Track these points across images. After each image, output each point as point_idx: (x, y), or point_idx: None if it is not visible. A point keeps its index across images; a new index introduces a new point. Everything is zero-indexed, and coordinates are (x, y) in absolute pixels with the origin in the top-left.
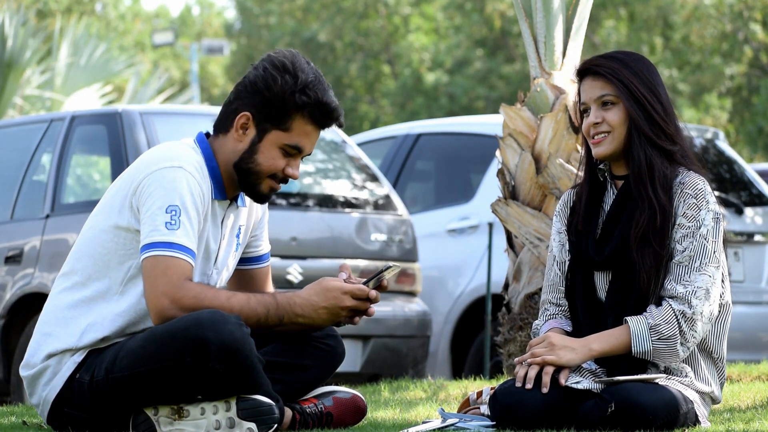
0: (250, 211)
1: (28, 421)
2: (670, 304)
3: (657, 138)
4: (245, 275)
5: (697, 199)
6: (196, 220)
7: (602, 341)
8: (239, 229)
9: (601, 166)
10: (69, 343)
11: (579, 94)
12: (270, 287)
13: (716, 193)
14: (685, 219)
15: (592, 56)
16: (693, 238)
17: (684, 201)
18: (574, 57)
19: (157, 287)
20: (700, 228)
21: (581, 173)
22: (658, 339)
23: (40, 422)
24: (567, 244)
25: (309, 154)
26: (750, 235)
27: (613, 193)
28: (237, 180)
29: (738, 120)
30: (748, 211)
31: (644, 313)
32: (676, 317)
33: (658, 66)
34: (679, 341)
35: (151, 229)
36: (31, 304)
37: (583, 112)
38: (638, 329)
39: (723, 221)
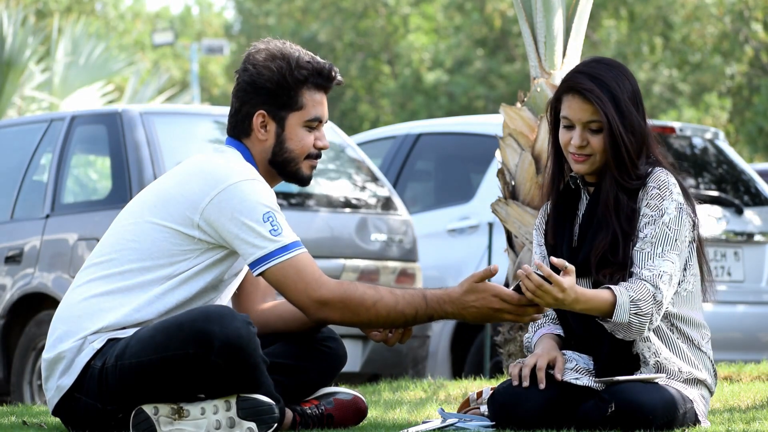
0: None
1: (28, 421)
2: (646, 285)
3: (623, 181)
4: (249, 279)
5: (661, 190)
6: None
7: (586, 305)
8: None
9: (572, 174)
10: (101, 323)
11: (560, 101)
12: (274, 295)
13: (716, 193)
14: (648, 209)
15: (583, 66)
16: (655, 226)
17: (647, 193)
18: (574, 57)
19: (300, 293)
20: (662, 216)
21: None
22: (635, 314)
23: (40, 422)
24: (547, 255)
25: (327, 121)
26: (750, 235)
27: (586, 199)
28: (276, 174)
29: (738, 120)
30: (748, 211)
31: (625, 285)
32: (653, 298)
33: (658, 66)
34: (649, 320)
35: (260, 240)
36: (31, 304)
37: (566, 126)
38: (622, 301)
39: (690, 214)
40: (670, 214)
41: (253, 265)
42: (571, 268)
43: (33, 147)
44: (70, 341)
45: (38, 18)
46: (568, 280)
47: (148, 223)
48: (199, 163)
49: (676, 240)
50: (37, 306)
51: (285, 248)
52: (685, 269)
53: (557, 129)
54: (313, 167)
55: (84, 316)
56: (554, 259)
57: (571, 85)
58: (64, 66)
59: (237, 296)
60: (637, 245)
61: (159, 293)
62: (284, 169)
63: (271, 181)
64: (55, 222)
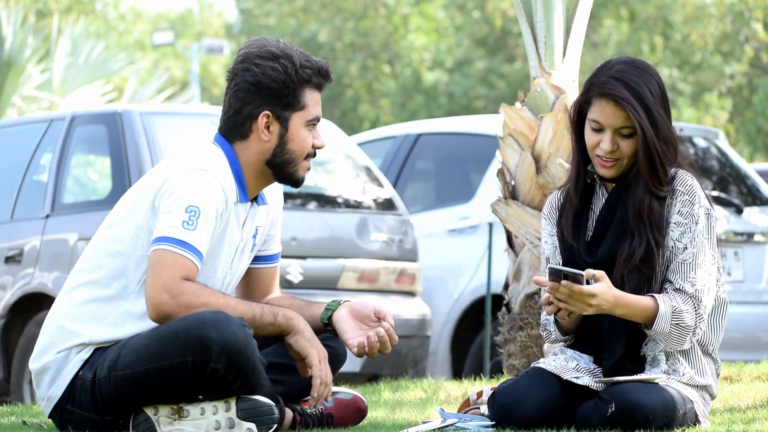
0: (268, 210)
1: (28, 421)
2: (690, 299)
3: (655, 189)
4: (251, 274)
5: (689, 195)
6: (213, 226)
7: (628, 310)
8: (256, 229)
9: (590, 168)
10: (81, 338)
11: (588, 102)
12: (276, 290)
13: (716, 193)
14: (680, 217)
15: (616, 71)
16: (693, 235)
17: (676, 198)
18: (574, 57)
19: (159, 280)
20: (696, 224)
21: (570, 170)
22: (677, 325)
23: (41, 422)
24: (559, 246)
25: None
26: (750, 235)
27: (602, 195)
28: (271, 175)
29: (738, 120)
30: (748, 211)
31: (669, 295)
32: (696, 311)
33: (658, 66)
34: (692, 333)
35: (169, 224)
36: (31, 304)
37: (595, 129)
38: (664, 311)
39: (714, 216)
40: (701, 221)
41: (152, 241)
42: (601, 274)
43: (33, 147)
44: (53, 352)
45: (38, 18)
46: (601, 286)
47: (118, 225)
48: (174, 153)
49: (710, 248)
50: (37, 306)
51: (183, 244)
52: (717, 270)
53: (579, 127)
54: (308, 168)
55: (66, 327)
56: (590, 272)
57: (605, 91)
58: (63, 66)
59: (238, 291)
60: (677, 257)
61: (135, 299)
62: (282, 170)
63: (260, 182)
64: (55, 222)
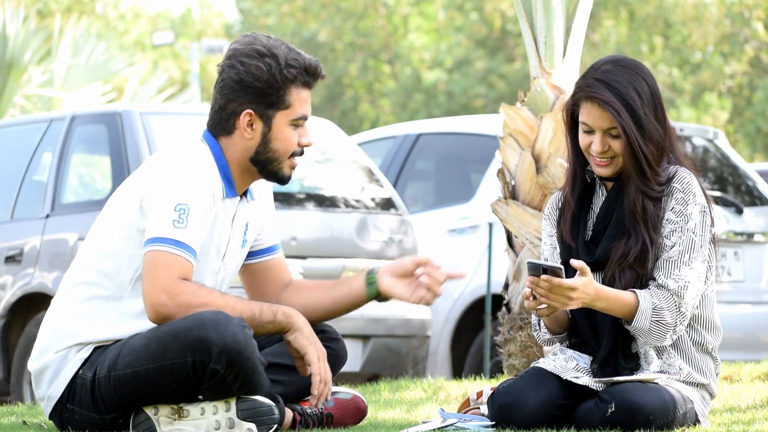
0: (258, 205)
1: (28, 421)
2: (672, 296)
3: (647, 189)
4: (259, 270)
5: (685, 194)
6: (203, 221)
7: (608, 304)
8: (247, 225)
9: (588, 168)
10: (79, 338)
11: (577, 104)
12: (292, 276)
13: (717, 193)
14: (673, 214)
15: (601, 73)
16: (681, 233)
17: (672, 195)
18: (574, 57)
19: (156, 282)
20: (687, 222)
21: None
22: (656, 322)
23: (41, 422)
24: (558, 247)
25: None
26: (750, 235)
27: (602, 194)
28: (257, 172)
29: (738, 120)
30: (748, 211)
31: (651, 291)
32: (678, 308)
33: (658, 65)
34: (672, 330)
35: (159, 224)
36: (31, 304)
37: (586, 131)
38: (644, 307)
39: (710, 214)
40: (694, 219)
41: (145, 242)
42: (587, 269)
43: (33, 147)
44: (51, 352)
45: (39, 18)
46: (581, 280)
47: (109, 225)
48: (159, 151)
49: (701, 246)
50: (37, 306)
51: (175, 243)
52: (708, 269)
53: (574, 129)
54: (294, 167)
55: (63, 328)
56: (574, 262)
57: (588, 94)
58: (65, 66)
59: (254, 288)
60: (663, 255)
61: (129, 298)
62: (266, 167)
63: (247, 178)
64: (55, 222)
